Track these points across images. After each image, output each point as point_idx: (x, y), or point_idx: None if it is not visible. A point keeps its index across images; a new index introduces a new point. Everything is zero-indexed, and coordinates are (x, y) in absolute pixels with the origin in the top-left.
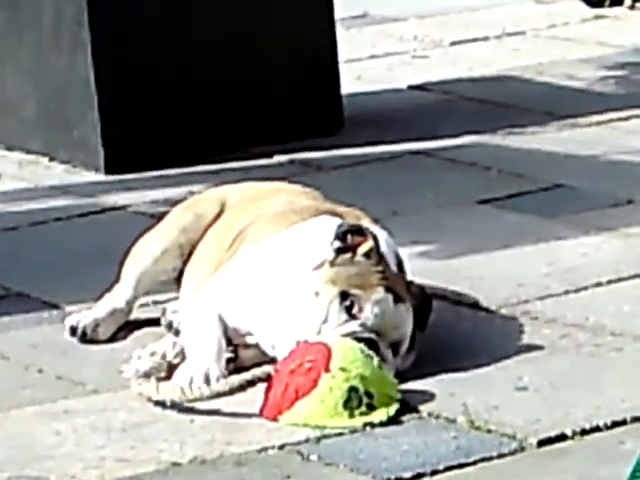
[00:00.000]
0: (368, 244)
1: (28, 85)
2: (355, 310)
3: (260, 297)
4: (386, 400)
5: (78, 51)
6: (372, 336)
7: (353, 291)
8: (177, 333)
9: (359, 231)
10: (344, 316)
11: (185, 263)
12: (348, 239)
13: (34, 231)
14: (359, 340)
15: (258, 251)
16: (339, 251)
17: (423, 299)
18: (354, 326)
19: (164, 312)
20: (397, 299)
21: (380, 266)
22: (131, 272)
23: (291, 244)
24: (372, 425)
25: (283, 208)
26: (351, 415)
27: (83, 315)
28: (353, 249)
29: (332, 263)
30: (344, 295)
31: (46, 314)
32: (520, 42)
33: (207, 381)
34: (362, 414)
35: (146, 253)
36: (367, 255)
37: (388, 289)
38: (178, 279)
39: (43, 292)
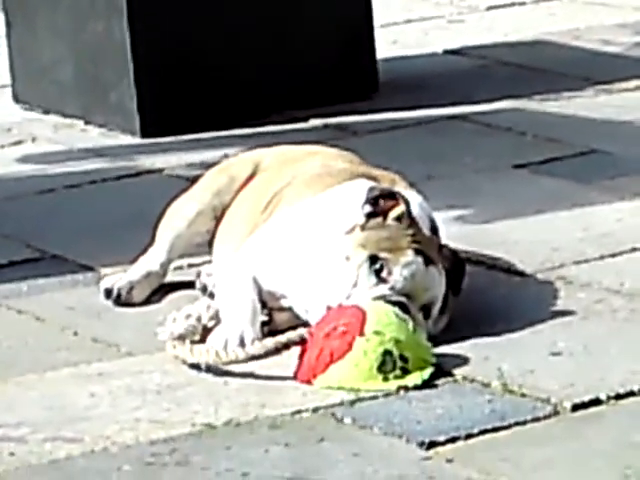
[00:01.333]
0: (400, 208)
1: (64, 49)
2: (384, 273)
3: (293, 260)
4: (420, 364)
5: (114, 15)
6: (402, 299)
7: (382, 254)
8: (211, 296)
9: (391, 195)
10: (374, 279)
11: (218, 225)
12: (380, 203)
13: (69, 194)
14: (389, 303)
15: (293, 214)
16: (370, 215)
17: (456, 262)
18: (384, 289)
19: (198, 275)
20: (428, 261)
21: (411, 229)
22: (165, 235)
23: (325, 207)
24: (406, 388)
25: (319, 170)
26: (385, 379)
27: (118, 278)
28: (384, 213)
29: (363, 227)
30: (373, 258)
31: (81, 276)
32: (556, 7)
33: (242, 344)
34: (396, 378)
35: (180, 216)
36: (398, 219)
37: (418, 251)
38: (211, 241)
39: (78, 255)
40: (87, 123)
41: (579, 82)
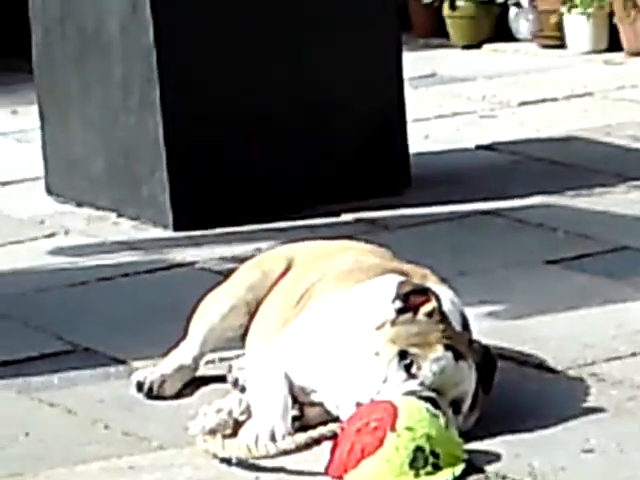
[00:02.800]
0: (431, 305)
1: (96, 142)
2: (414, 369)
3: (324, 355)
4: (452, 460)
5: (147, 109)
6: (432, 394)
7: (412, 350)
8: (243, 390)
9: (422, 291)
10: (403, 375)
11: (251, 319)
12: (410, 299)
13: (102, 286)
14: (420, 399)
15: (323, 309)
16: (400, 311)
17: (487, 357)
18: (413, 385)
19: (230, 369)
20: (457, 356)
21: (441, 325)
22: (198, 329)
23: (355, 303)
24: None
25: (350, 266)
26: (417, 475)
27: (149, 371)
28: (415, 308)
29: (393, 322)
30: (403, 354)
31: (113, 369)
32: (588, 103)
33: (273, 438)
34: (428, 474)
35: (214, 310)
36: (429, 315)
37: (448, 347)
38: (244, 336)
39: (110, 348)
40: (119, 216)
41: (611, 178)
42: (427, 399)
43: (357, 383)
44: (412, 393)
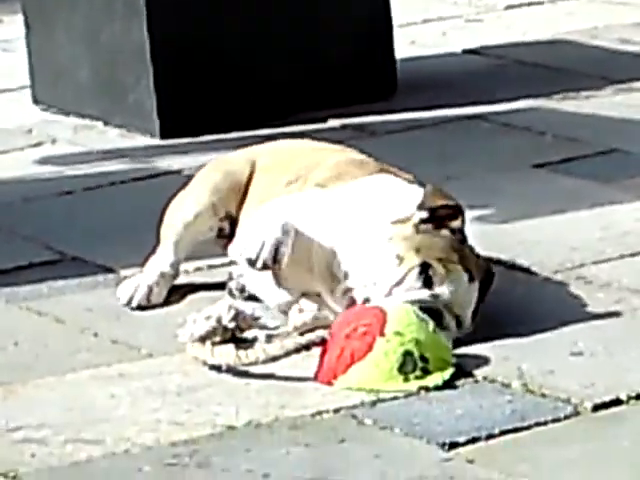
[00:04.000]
0: (458, 222)
1: (82, 50)
2: (432, 282)
3: (334, 238)
4: (441, 364)
5: (132, 16)
6: (439, 307)
7: (435, 264)
8: (243, 291)
9: (449, 206)
10: (419, 284)
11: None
12: (438, 211)
13: (89, 195)
14: (424, 310)
15: (327, 197)
16: (425, 221)
17: (488, 273)
18: (425, 294)
19: (231, 277)
20: (471, 278)
21: (462, 245)
22: (169, 237)
23: (367, 196)
24: (427, 389)
25: (344, 159)
26: (406, 379)
27: (133, 284)
28: (439, 220)
29: (417, 228)
30: (425, 266)
31: (101, 278)
32: (574, 6)
33: (276, 251)
34: (417, 378)
35: (179, 218)
36: (453, 231)
37: (466, 269)
38: (218, 237)
39: (98, 256)
40: (106, 124)
41: (597, 81)
42: (432, 310)
43: (370, 280)
44: (421, 302)
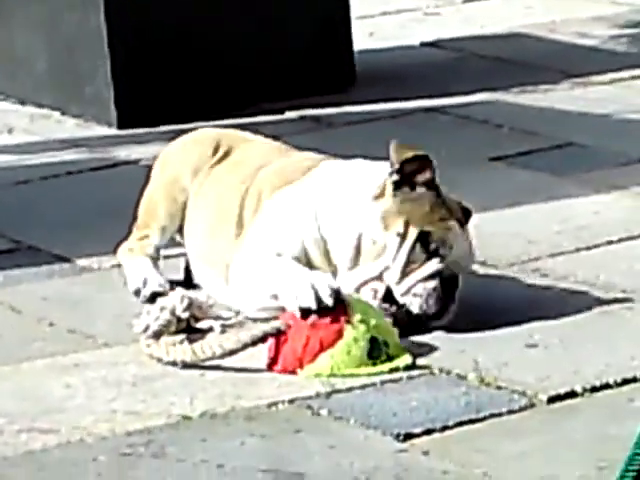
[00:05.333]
0: (429, 173)
1: (39, 40)
2: (433, 247)
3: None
4: (398, 350)
5: (90, 6)
6: (455, 271)
7: (431, 229)
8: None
9: (416, 157)
10: (424, 256)
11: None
12: (405, 168)
13: (45, 185)
14: (444, 279)
15: (288, 198)
16: (398, 183)
17: (465, 211)
18: (436, 264)
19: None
20: (461, 225)
21: (440, 195)
22: (152, 225)
23: (337, 183)
24: (397, 370)
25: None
26: (374, 364)
27: (141, 277)
28: (410, 175)
29: (397, 197)
30: (423, 235)
31: (57, 267)
32: (533, 0)
33: (332, 289)
34: (383, 362)
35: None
36: (428, 185)
37: (456, 219)
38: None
39: (54, 245)
40: (63, 114)
41: (555, 75)
42: (450, 279)
43: (381, 267)
44: (438, 273)
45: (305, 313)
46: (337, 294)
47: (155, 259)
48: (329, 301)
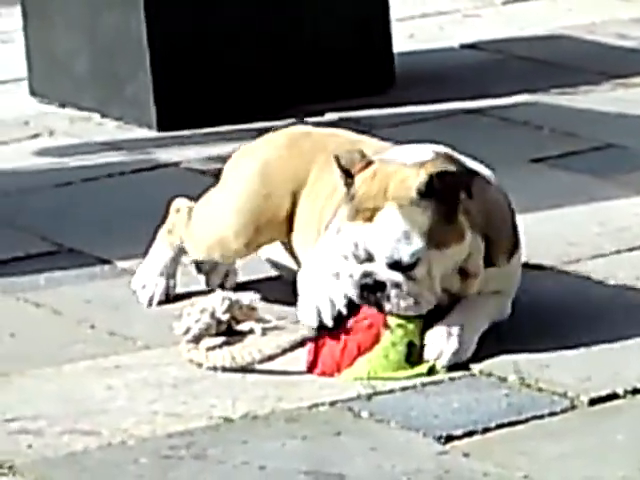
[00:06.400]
0: (371, 169)
1: (80, 41)
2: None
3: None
4: None
5: (130, 7)
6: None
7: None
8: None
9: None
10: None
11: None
12: (352, 172)
13: (86, 187)
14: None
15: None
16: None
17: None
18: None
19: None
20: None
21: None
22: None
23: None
24: (435, 371)
25: None
26: (412, 368)
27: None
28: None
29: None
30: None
31: (98, 270)
32: (572, 1)
33: (335, 310)
34: (420, 366)
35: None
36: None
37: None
38: None
39: (95, 248)
40: (103, 116)
41: (595, 76)
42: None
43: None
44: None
45: (316, 329)
46: (340, 315)
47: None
48: (329, 322)
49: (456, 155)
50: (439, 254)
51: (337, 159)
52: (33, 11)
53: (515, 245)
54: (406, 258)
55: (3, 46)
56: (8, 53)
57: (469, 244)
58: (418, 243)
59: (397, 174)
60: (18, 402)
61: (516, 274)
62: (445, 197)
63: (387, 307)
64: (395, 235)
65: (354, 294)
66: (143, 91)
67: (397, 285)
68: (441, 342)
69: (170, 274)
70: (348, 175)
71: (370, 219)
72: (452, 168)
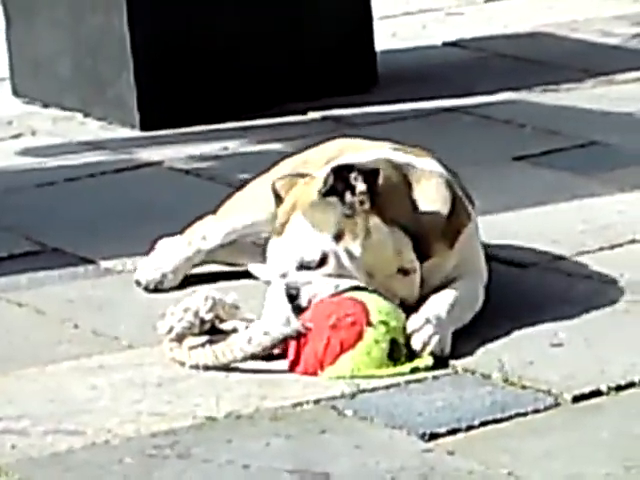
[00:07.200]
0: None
1: (63, 42)
2: None
3: None
4: None
5: (113, 8)
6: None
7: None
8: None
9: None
10: None
11: None
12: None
13: (69, 187)
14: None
15: None
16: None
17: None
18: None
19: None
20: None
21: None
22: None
23: None
24: (418, 370)
25: None
26: (395, 366)
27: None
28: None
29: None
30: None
31: (81, 269)
32: None
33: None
34: (404, 364)
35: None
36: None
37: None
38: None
39: (78, 248)
40: (86, 116)
41: (578, 74)
42: None
43: None
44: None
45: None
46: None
47: (200, 253)
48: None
49: (399, 158)
50: (354, 245)
51: (272, 186)
52: (16, 11)
53: (457, 231)
54: (309, 257)
55: None
56: None
57: (391, 238)
58: (320, 240)
59: (310, 185)
60: (2, 402)
61: (470, 258)
62: (344, 192)
63: (303, 303)
64: (297, 239)
65: (289, 307)
66: (126, 91)
67: (306, 284)
68: (424, 331)
69: (179, 268)
70: (279, 199)
71: (281, 233)
72: (351, 164)
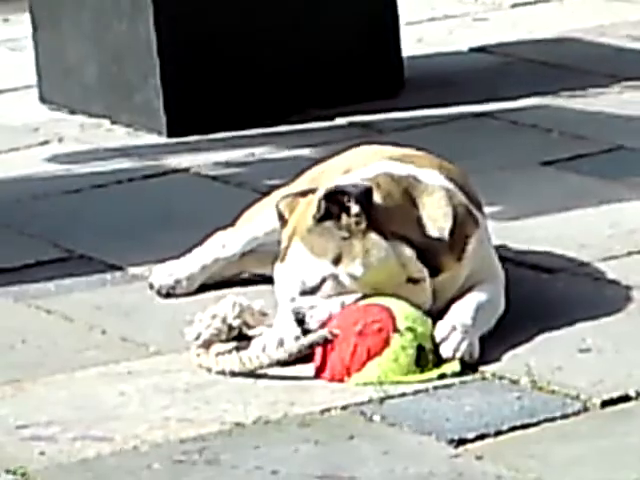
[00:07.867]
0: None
1: (89, 49)
2: None
3: None
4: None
5: (138, 14)
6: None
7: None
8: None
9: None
10: None
11: None
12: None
13: (96, 193)
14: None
15: None
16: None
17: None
18: None
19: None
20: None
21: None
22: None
23: None
24: (446, 376)
25: None
26: (422, 372)
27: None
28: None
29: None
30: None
31: (109, 276)
32: (581, 4)
33: (281, 344)
34: (431, 370)
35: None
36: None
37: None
38: None
39: (106, 254)
40: (113, 123)
41: (605, 79)
42: None
43: None
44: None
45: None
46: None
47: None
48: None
49: (399, 171)
50: (354, 266)
51: (276, 206)
52: (42, 18)
53: (464, 243)
54: (310, 283)
55: (13, 53)
56: (18, 60)
57: (393, 252)
58: (319, 265)
59: (309, 208)
60: (30, 409)
61: (483, 264)
62: (340, 215)
63: (312, 326)
64: (298, 266)
65: (299, 332)
66: (153, 97)
67: (312, 307)
68: (452, 338)
69: (195, 275)
70: (283, 220)
71: (283, 259)
72: (341, 187)
